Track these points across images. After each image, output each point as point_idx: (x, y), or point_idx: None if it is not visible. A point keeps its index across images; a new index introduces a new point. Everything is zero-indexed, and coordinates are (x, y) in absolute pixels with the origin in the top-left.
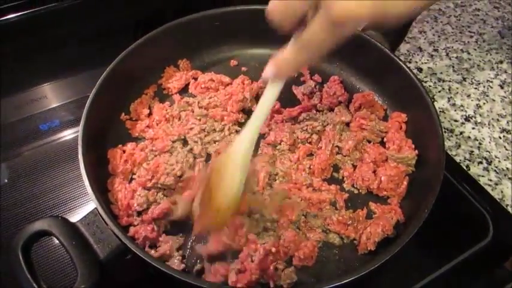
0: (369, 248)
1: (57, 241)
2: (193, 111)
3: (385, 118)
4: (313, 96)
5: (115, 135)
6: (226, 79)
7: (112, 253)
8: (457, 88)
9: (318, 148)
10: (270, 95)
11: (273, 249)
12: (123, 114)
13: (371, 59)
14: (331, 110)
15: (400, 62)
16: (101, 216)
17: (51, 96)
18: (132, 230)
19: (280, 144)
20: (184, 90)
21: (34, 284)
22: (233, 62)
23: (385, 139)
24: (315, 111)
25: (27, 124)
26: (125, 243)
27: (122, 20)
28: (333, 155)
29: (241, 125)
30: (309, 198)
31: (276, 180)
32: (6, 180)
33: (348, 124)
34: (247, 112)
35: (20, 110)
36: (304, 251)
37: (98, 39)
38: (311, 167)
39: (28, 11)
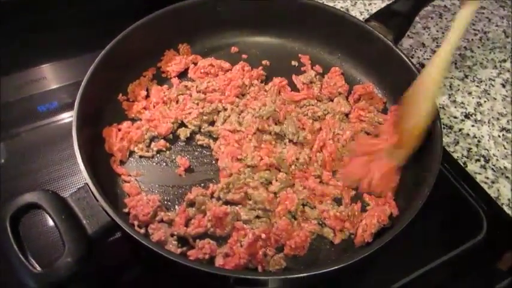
0: (366, 240)
1: (46, 215)
2: (191, 95)
3: (385, 111)
4: (312, 86)
5: (111, 115)
6: (226, 65)
7: (101, 229)
8: (459, 85)
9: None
10: (463, 21)
11: (263, 235)
12: (120, 95)
13: (373, 51)
14: (331, 100)
15: (403, 55)
16: (91, 191)
17: (50, 77)
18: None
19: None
20: (183, 75)
21: (20, 255)
22: (234, 49)
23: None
24: (316, 101)
25: (25, 104)
26: (114, 219)
27: (124, 1)
28: (336, 144)
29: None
30: (313, 188)
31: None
32: (3, 161)
33: (347, 115)
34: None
35: (19, 90)
36: (295, 240)
37: (99, 21)
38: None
39: None
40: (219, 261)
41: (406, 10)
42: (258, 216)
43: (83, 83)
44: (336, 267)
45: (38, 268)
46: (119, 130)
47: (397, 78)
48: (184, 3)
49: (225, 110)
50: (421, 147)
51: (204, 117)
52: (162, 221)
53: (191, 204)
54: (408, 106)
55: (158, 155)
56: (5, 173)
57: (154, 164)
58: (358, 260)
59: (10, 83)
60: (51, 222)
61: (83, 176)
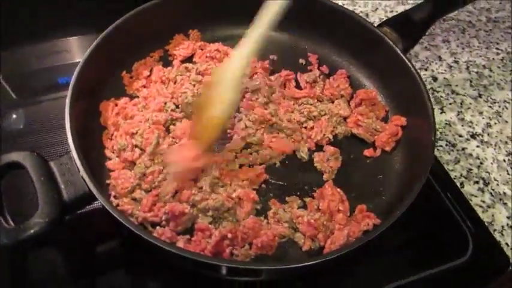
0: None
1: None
2: (189, 77)
3: (386, 119)
4: (315, 86)
5: (111, 90)
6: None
7: (76, 197)
8: (470, 103)
9: (308, 136)
10: (274, 9)
11: (229, 235)
12: (124, 72)
13: (382, 57)
14: (332, 102)
15: (410, 65)
16: (74, 160)
17: (74, 50)
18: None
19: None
20: (189, 61)
21: None
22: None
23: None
24: (316, 100)
25: (47, 75)
26: (90, 189)
27: None
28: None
29: None
30: None
31: None
32: (21, 126)
33: (345, 119)
34: None
35: (42, 60)
36: (263, 239)
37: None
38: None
39: None
40: (179, 245)
41: (421, 19)
42: (219, 217)
43: (83, 57)
44: (303, 264)
45: (11, 224)
46: (116, 105)
47: (402, 87)
48: None
49: None
50: (414, 159)
51: (193, 100)
52: (135, 199)
53: None
54: (211, 93)
55: None
56: (23, 138)
57: None
58: (335, 258)
59: (34, 52)
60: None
61: (68, 144)
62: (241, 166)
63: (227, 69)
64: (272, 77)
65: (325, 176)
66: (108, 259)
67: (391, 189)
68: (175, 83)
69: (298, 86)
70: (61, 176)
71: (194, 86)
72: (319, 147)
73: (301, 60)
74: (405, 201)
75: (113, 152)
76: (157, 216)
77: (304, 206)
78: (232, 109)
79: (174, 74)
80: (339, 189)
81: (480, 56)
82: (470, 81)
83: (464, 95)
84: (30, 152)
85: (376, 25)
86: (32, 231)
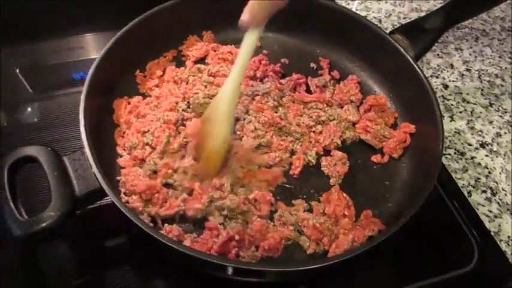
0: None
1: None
2: (201, 78)
3: (395, 126)
4: (325, 90)
5: (125, 88)
6: None
7: (88, 192)
8: (481, 112)
9: (316, 141)
10: (250, 43)
11: (237, 237)
12: (138, 71)
13: (392, 64)
14: (341, 107)
15: (420, 72)
16: (87, 156)
17: (88, 47)
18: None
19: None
20: (201, 62)
21: (11, 202)
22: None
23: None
24: (325, 105)
25: (62, 70)
26: (101, 184)
27: None
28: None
29: None
30: None
31: None
32: (36, 119)
33: (354, 124)
34: None
35: (57, 55)
36: (270, 241)
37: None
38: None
39: None
40: (186, 243)
41: (433, 27)
42: (230, 218)
43: (99, 55)
44: (311, 267)
45: (25, 216)
46: (129, 103)
47: (411, 94)
48: None
49: None
50: (421, 166)
51: (208, 100)
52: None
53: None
54: (207, 127)
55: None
56: (35, 130)
57: None
58: (338, 262)
59: (50, 47)
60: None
61: (82, 140)
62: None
63: (218, 103)
64: (283, 80)
65: (331, 181)
66: (116, 254)
67: (397, 196)
68: (187, 83)
69: (308, 90)
70: (73, 171)
71: (206, 87)
72: (326, 152)
73: (312, 65)
74: (411, 209)
75: (124, 150)
76: (172, 208)
77: (310, 210)
78: (227, 142)
79: (187, 75)
80: (345, 194)
81: (493, 65)
82: (482, 90)
83: (475, 104)
84: (45, 147)
85: (388, 32)
86: (44, 224)
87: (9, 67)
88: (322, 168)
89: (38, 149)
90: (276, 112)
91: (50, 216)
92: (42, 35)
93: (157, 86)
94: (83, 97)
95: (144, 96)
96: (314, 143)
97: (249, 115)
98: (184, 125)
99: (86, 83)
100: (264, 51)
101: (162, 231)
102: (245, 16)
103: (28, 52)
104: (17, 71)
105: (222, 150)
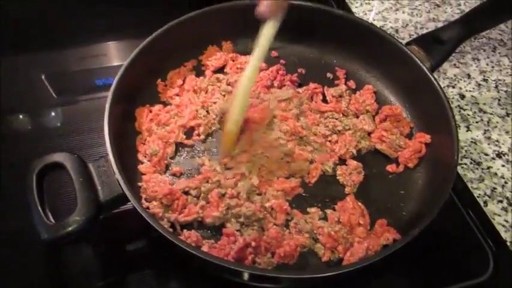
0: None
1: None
2: (220, 87)
3: (410, 136)
4: (341, 100)
5: (146, 97)
6: (263, 65)
7: (111, 198)
8: (497, 122)
9: (332, 150)
10: (267, 33)
11: (253, 243)
12: (159, 80)
13: (408, 74)
14: (357, 117)
15: (435, 83)
16: (110, 163)
17: (110, 54)
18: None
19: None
20: (220, 71)
21: (39, 207)
22: (273, 53)
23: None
24: (341, 115)
25: (85, 76)
26: (124, 191)
27: None
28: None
29: None
30: None
31: None
32: (59, 124)
33: (369, 134)
34: None
35: (81, 62)
36: (285, 248)
37: (161, 7)
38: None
39: None
40: (204, 249)
41: (449, 39)
42: (246, 225)
43: (124, 64)
44: (325, 275)
45: (52, 221)
46: (150, 111)
47: (427, 105)
48: (233, 4)
49: None
50: (435, 177)
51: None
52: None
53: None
54: (227, 113)
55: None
56: (59, 135)
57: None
58: (353, 270)
59: (75, 54)
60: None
61: (106, 147)
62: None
63: (236, 91)
64: (300, 89)
65: (347, 189)
66: (137, 258)
67: (412, 205)
68: (206, 92)
69: (324, 100)
70: (98, 178)
71: (224, 96)
72: (342, 161)
73: (328, 75)
74: (426, 218)
75: (145, 156)
76: (191, 215)
77: (325, 218)
78: (239, 122)
79: (206, 84)
80: (360, 203)
81: (510, 75)
82: (499, 100)
83: (491, 114)
84: (72, 154)
85: (404, 43)
86: (70, 228)
87: (35, 73)
88: (338, 177)
89: (65, 155)
90: (298, 121)
91: (75, 221)
92: (67, 43)
93: (177, 94)
94: (107, 106)
95: (165, 104)
96: (330, 152)
97: (274, 123)
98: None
99: (111, 91)
100: (282, 61)
101: (181, 237)
102: (261, 6)
103: (54, 59)
104: (43, 77)
105: (234, 131)
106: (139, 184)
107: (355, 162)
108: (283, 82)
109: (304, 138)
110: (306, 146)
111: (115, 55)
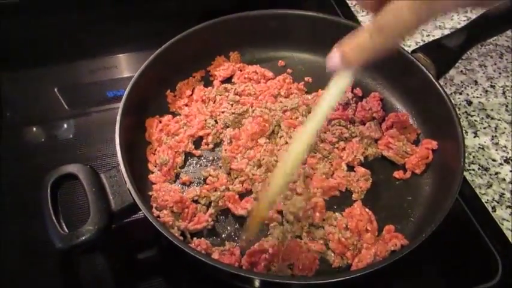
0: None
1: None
2: (228, 97)
3: (417, 143)
4: (348, 108)
5: (156, 108)
6: (270, 74)
7: (123, 207)
8: (505, 128)
9: (339, 157)
10: (335, 90)
11: (270, 250)
12: (169, 90)
13: (414, 82)
14: (363, 124)
15: (441, 90)
16: (121, 173)
17: (121, 67)
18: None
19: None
20: (228, 81)
21: (53, 217)
22: (280, 63)
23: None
24: (347, 122)
25: (96, 88)
26: (135, 200)
27: (195, 6)
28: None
29: None
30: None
31: None
32: (71, 136)
33: (376, 141)
34: None
35: (93, 74)
36: (303, 262)
37: (170, 20)
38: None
39: None
40: (214, 256)
41: (454, 46)
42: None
43: (135, 75)
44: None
45: (66, 230)
46: (160, 122)
47: (433, 111)
48: (240, 15)
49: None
50: (442, 183)
51: (233, 117)
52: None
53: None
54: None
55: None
56: (71, 146)
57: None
58: (361, 276)
59: (86, 67)
60: (83, 194)
61: (117, 158)
62: None
63: (284, 158)
64: (309, 96)
65: (354, 196)
66: (148, 266)
67: (420, 211)
68: (214, 102)
69: None
70: (110, 188)
71: (232, 105)
72: (349, 168)
73: None
74: (433, 223)
75: (155, 166)
76: (200, 223)
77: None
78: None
79: (214, 94)
80: (367, 209)
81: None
82: (506, 106)
83: (499, 120)
84: (84, 165)
85: (410, 51)
86: (84, 237)
87: (48, 86)
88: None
89: (78, 166)
90: None
91: (89, 230)
92: (79, 56)
93: (186, 105)
94: (118, 117)
95: (174, 115)
96: (338, 158)
97: (281, 130)
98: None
99: (121, 103)
100: (288, 70)
101: (191, 245)
102: (334, 58)
103: (66, 72)
104: (56, 90)
105: (266, 209)
106: (150, 193)
107: (363, 169)
108: (290, 90)
109: (314, 145)
110: (316, 153)
111: (125, 67)
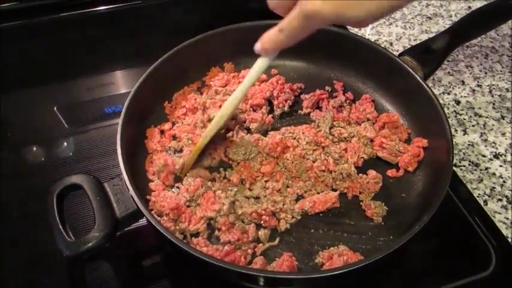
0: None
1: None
2: (217, 98)
3: (409, 142)
4: (342, 110)
5: (156, 118)
6: (263, 76)
7: (127, 214)
8: (493, 125)
9: (343, 158)
10: (258, 66)
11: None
12: (166, 102)
13: (403, 84)
14: (359, 124)
15: (429, 91)
16: (124, 181)
17: (118, 83)
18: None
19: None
20: None
21: (60, 225)
22: (274, 71)
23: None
24: (344, 123)
25: (95, 105)
26: (139, 207)
27: (188, 20)
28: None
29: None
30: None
31: None
32: (71, 153)
33: (372, 141)
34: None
35: (90, 91)
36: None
37: (166, 35)
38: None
39: (113, 6)
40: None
41: (439, 48)
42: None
43: (133, 88)
44: (327, 274)
45: (72, 238)
46: (160, 131)
47: (422, 111)
48: (232, 27)
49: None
50: (434, 179)
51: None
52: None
53: None
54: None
55: None
56: (73, 162)
57: None
58: (352, 270)
59: (83, 85)
60: (88, 203)
61: (120, 167)
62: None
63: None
64: (307, 95)
65: (361, 197)
66: (153, 271)
67: (413, 206)
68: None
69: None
70: (113, 196)
71: (220, 106)
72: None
73: (327, 88)
74: (425, 217)
75: (153, 174)
76: (196, 225)
77: None
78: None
79: (205, 99)
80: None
81: (503, 80)
82: (493, 104)
83: (487, 117)
84: (88, 175)
85: (397, 54)
86: (90, 244)
87: (47, 106)
88: None
89: (82, 177)
90: (320, 131)
91: (95, 237)
92: (76, 75)
93: (185, 114)
94: (119, 128)
95: (174, 124)
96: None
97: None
98: None
99: (122, 115)
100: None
101: (191, 245)
102: (257, 45)
103: (64, 91)
104: (55, 108)
105: (200, 145)
106: (148, 197)
107: (374, 172)
108: (282, 90)
109: (325, 148)
110: (328, 156)
111: (122, 83)
